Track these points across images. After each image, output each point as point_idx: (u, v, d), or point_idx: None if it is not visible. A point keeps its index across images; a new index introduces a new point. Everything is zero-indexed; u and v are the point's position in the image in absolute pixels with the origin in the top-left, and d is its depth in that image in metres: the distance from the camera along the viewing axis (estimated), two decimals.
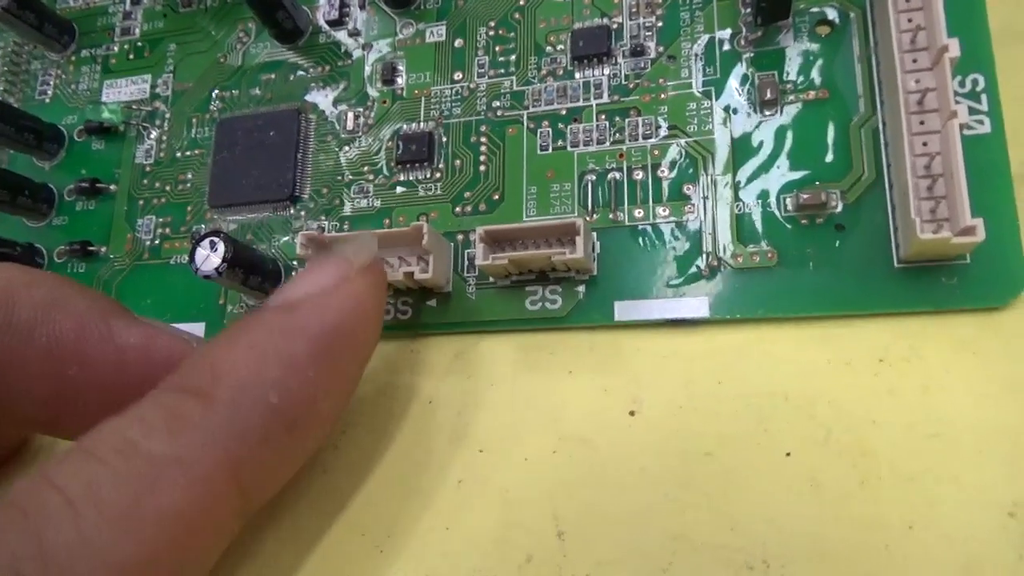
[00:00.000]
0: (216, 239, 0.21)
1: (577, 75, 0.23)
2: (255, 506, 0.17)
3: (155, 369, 0.19)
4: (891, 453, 0.17)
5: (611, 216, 0.21)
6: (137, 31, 0.28)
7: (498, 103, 0.23)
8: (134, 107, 0.27)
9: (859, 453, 0.17)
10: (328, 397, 0.17)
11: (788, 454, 0.17)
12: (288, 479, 0.18)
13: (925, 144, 0.18)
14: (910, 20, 0.19)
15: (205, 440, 0.15)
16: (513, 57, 0.23)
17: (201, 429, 0.15)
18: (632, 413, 0.19)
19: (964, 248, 0.17)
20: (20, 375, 0.18)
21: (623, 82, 0.22)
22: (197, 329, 0.24)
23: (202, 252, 0.21)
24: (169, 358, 0.19)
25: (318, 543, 0.20)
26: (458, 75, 0.24)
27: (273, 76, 0.26)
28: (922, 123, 0.18)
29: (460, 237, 0.22)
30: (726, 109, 0.21)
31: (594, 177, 0.22)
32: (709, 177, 0.21)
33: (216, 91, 0.26)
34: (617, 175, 0.21)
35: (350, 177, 0.24)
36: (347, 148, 0.24)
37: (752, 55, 0.21)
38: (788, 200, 0.20)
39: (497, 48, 0.24)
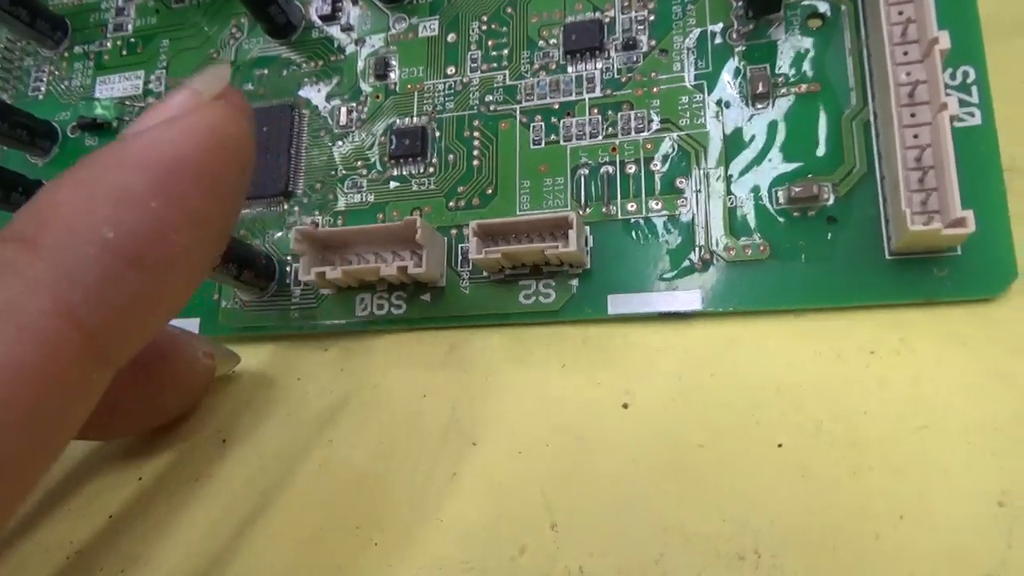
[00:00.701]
0: None
1: (569, 69, 0.23)
2: (114, 352, 0.15)
3: (145, 363, 0.19)
4: (881, 444, 0.17)
5: (604, 210, 0.21)
6: (130, 27, 0.28)
7: (491, 97, 0.23)
8: (127, 103, 0.27)
9: (849, 444, 0.17)
10: (180, 231, 0.15)
11: (779, 445, 0.17)
12: (152, 322, 0.16)
13: (916, 136, 0.18)
14: (900, 13, 0.19)
15: (28, 286, 0.14)
16: (506, 51, 0.23)
17: (23, 276, 0.14)
18: (625, 406, 0.19)
19: (955, 240, 0.18)
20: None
21: (615, 76, 0.22)
22: (192, 325, 0.24)
23: None
24: (160, 351, 0.19)
25: (311, 537, 0.20)
26: (451, 70, 0.24)
27: (266, 71, 0.26)
28: (913, 115, 0.18)
29: (454, 232, 0.22)
30: (718, 103, 0.21)
31: (587, 171, 0.22)
32: (701, 171, 0.21)
33: None
34: (610, 169, 0.21)
35: (343, 172, 0.24)
36: (340, 143, 0.24)
37: (744, 49, 0.21)
38: (780, 193, 0.20)
39: (490, 42, 0.24)
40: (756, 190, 0.20)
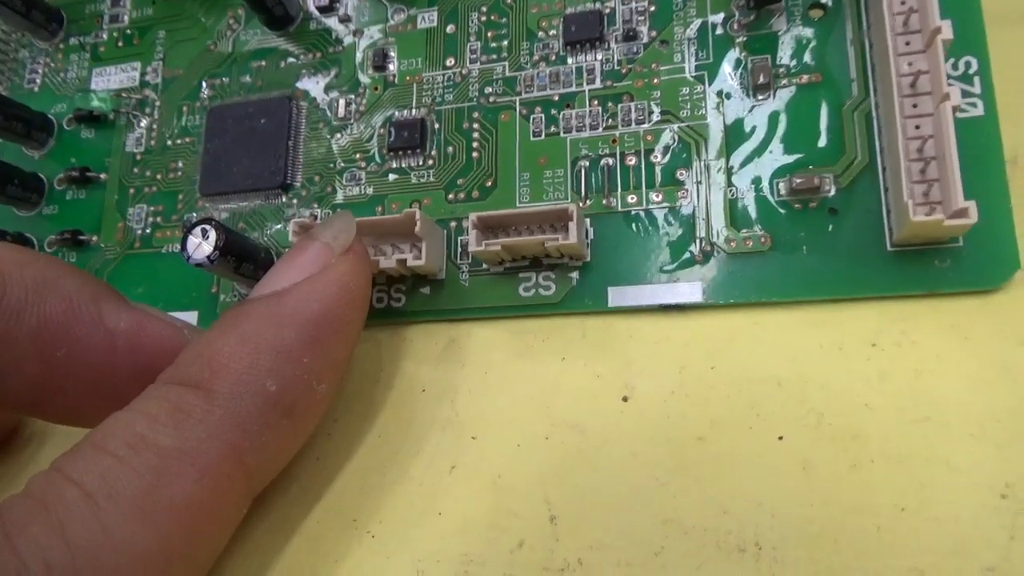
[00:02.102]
0: (208, 227, 0.21)
1: (569, 60, 0.22)
2: (260, 487, 0.18)
3: (144, 354, 0.19)
4: (883, 436, 0.17)
5: (604, 202, 0.21)
6: (126, 18, 0.28)
7: (490, 89, 0.23)
8: (124, 95, 0.27)
9: (851, 437, 0.17)
10: (322, 380, 0.18)
11: (780, 438, 0.17)
12: (289, 460, 0.18)
13: (918, 127, 0.18)
14: (903, 2, 0.18)
15: (209, 432, 0.16)
16: (505, 43, 0.23)
17: (204, 422, 0.16)
18: (625, 399, 0.19)
19: (957, 231, 0.17)
20: (8, 356, 0.18)
21: (616, 67, 0.22)
22: (190, 318, 0.24)
23: (194, 240, 0.21)
24: (159, 343, 0.19)
25: (310, 530, 0.20)
26: (450, 61, 0.24)
27: (264, 63, 0.26)
28: (915, 106, 0.18)
29: (453, 224, 0.22)
30: (719, 94, 0.21)
31: (587, 163, 0.22)
32: (702, 162, 0.21)
33: (206, 79, 0.26)
34: (610, 161, 0.21)
35: (342, 164, 0.24)
36: (339, 135, 0.24)
37: (745, 39, 0.21)
38: (781, 184, 0.20)
39: (489, 34, 0.23)
40: (757, 181, 0.20)
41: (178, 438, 0.16)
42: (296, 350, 0.17)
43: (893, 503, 0.16)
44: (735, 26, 0.21)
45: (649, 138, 0.21)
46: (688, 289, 0.20)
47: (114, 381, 0.19)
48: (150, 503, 0.15)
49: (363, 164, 0.24)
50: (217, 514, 0.16)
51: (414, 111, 0.24)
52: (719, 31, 0.21)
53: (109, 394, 0.19)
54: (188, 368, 0.17)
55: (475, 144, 0.23)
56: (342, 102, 0.24)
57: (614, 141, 0.21)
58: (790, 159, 0.20)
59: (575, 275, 0.21)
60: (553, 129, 0.22)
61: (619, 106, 0.22)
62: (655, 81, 0.22)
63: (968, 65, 0.19)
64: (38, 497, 0.15)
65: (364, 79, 0.24)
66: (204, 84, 0.26)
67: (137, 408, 0.16)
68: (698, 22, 0.22)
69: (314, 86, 0.25)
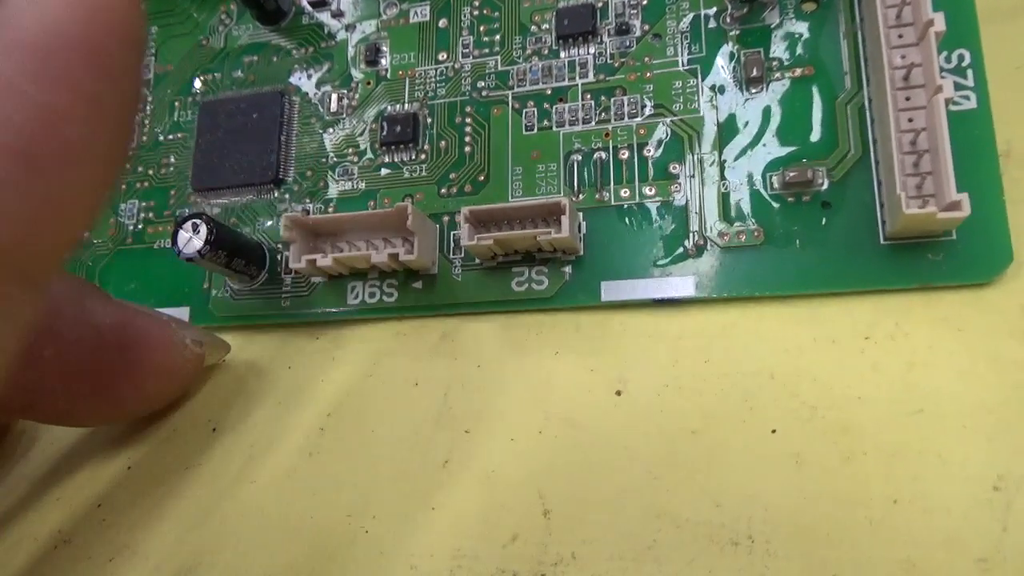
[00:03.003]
0: (199, 221, 0.21)
1: (562, 54, 0.22)
2: (35, 266, 0.14)
3: (133, 349, 0.19)
4: (875, 429, 0.17)
5: (597, 196, 0.21)
6: None
7: (483, 83, 0.23)
8: None
9: (843, 430, 0.17)
10: (72, 120, 0.13)
11: (773, 431, 0.17)
12: (66, 228, 0.14)
13: (911, 120, 0.18)
14: None
15: None
16: (498, 37, 0.23)
17: None
18: (618, 393, 0.19)
19: (950, 224, 0.17)
20: None
21: (608, 61, 0.22)
22: (182, 313, 0.23)
23: (184, 234, 0.21)
24: (147, 338, 0.19)
25: (302, 526, 0.19)
26: (442, 55, 0.24)
27: (256, 58, 0.25)
28: (908, 99, 0.18)
29: (446, 219, 0.22)
30: (712, 87, 0.21)
31: (580, 157, 0.21)
32: (695, 156, 0.20)
33: (199, 74, 0.26)
34: (603, 155, 0.21)
35: (334, 159, 0.24)
36: (331, 130, 0.24)
37: (738, 32, 0.21)
38: (774, 178, 0.20)
39: (481, 28, 0.23)
40: (750, 175, 0.20)
41: None
42: (16, 80, 0.13)
43: (886, 495, 0.16)
44: (728, 19, 0.21)
45: (642, 132, 0.21)
46: (681, 283, 0.20)
47: (103, 379, 0.19)
48: None
49: (355, 159, 0.24)
50: None
51: (406, 105, 0.24)
52: (712, 24, 0.21)
53: (100, 392, 0.19)
54: None
55: (467, 138, 0.23)
56: (334, 97, 0.24)
57: (607, 135, 0.21)
58: (783, 152, 0.20)
59: (568, 269, 0.21)
60: (546, 123, 0.22)
61: (612, 100, 0.22)
62: (648, 75, 0.21)
63: (961, 58, 0.19)
64: None
65: (356, 74, 0.24)
66: (196, 79, 0.26)
67: None
68: (691, 15, 0.21)
69: (306, 81, 0.25)
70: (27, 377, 0.18)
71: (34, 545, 0.21)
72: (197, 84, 0.26)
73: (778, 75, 0.20)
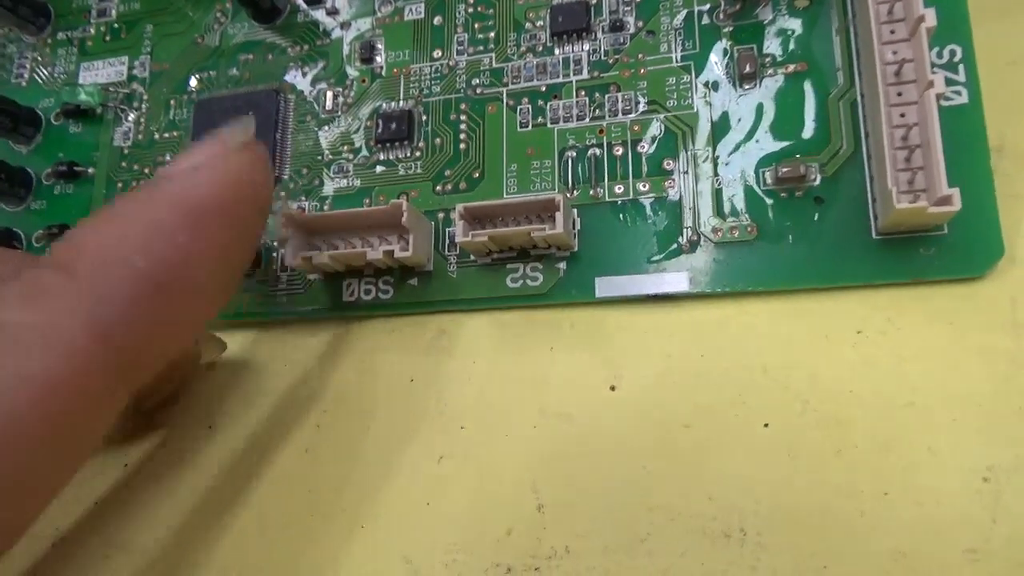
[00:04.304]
0: None
1: (556, 51, 0.22)
2: (135, 373, 0.16)
3: None
4: (867, 422, 0.17)
5: (592, 192, 0.21)
6: (113, 12, 0.28)
7: (477, 80, 0.23)
8: (111, 89, 0.27)
9: (835, 423, 0.17)
10: (203, 265, 0.17)
11: (766, 425, 0.17)
12: (172, 344, 0.17)
13: (903, 115, 0.18)
14: None
15: (66, 306, 0.15)
16: (492, 34, 0.23)
17: (62, 297, 0.15)
18: (613, 388, 0.19)
19: (941, 218, 0.17)
20: None
21: (602, 58, 0.22)
22: None
23: None
24: None
25: (298, 522, 0.20)
26: (437, 53, 0.24)
27: (251, 56, 0.26)
28: (899, 94, 0.18)
29: (441, 215, 0.22)
30: (705, 83, 0.21)
31: (574, 153, 0.22)
32: (689, 152, 0.21)
33: (194, 72, 0.26)
34: (597, 151, 0.21)
35: (330, 157, 0.24)
36: (326, 128, 0.24)
37: (731, 29, 0.21)
38: (767, 174, 0.20)
39: (476, 25, 0.23)
40: (743, 171, 0.20)
41: (30, 313, 0.14)
42: (170, 229, 0.16)
43: (877, 488, 0.16)
44: (721, 16, 0.21)
45: (636, 128, 0.21)
46: (675, 279, 0.20)
47: None
48: None
49: (351, 156, 0.24)
50: (79, 395, 0.15)
51: (401, 103, 0.24)
52: (705, 20, 0.21)
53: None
54: (52, 252, 0.16)
55: (462, 135, 0.23)
56: (329, 95, 0.24)
57: (601, 131, 0.21)
58: (776, 148, 0.20)
59: (562, 265, 0.21)
60: (540, 120, 0.22)
61: (606, 96, 0.22)
62: (642, 71, 0.22)
63: (953, 53, 0.19)
64: None
65: (351, 71, 0.24)
66: (192, 78, 0.26)
67: None
68: (684, 12, 0.22)
69: (301, 79, 0.25)
70: None
71: (28, 542, 0.21)
72: (192, 83, 0.26)
73: (771, 71, 0.20)
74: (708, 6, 0.21)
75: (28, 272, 0.15)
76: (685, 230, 0.20)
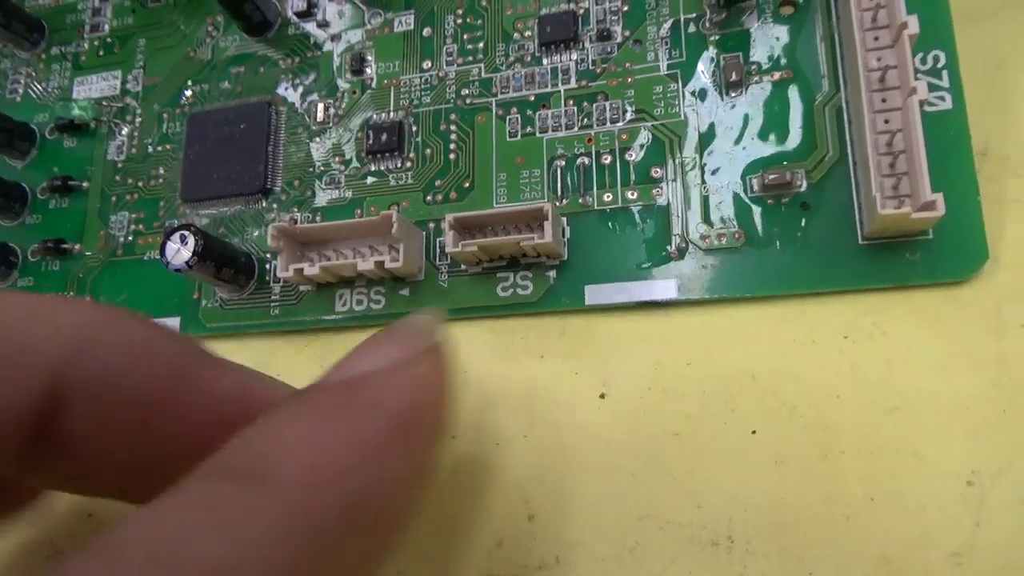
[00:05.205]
0: (186, 233, 0.21)
1: (545, 61, 0.23)
2: None
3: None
4: (853, 428, 0.17)
5: (580, 201, 0.21)
6: (106, 27, 0.28)
7: (467, 91, 0.23)
8: (105, 103, 0.27)
9: (822, 429, 0.17)
10: (408, 486, 0.14)
11: (754, 432, 0.17)
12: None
13: (887, 121, 0.18)
14: None
15: (266, 539, 0.12)
16: (481, 45, 0.23)
17: (258, 527, 0.12)
18: (602, 396, 0.19)
19: (925, 223, 0.18)
20: (101, 431, 0.15)
21: (590, 67, 0.22)
22: (173, 323, 0.24)
23: (172, 246, 0.21)
24: (264, 408, 0.16)
25: None
26: (427, 64, 0.24)
27: (242, 69, 0.26)
28: (884, 101, 0.18)
29: (432, 225, 0.22)
30: (692, 92, 0.21)
31: (563, 163, 0.22)
32: (676, 160, 0.21)
33: (189, 85, 0.26)
34: (586, 160, 0.21)
35: (321, 168, 0.24)
36: (318, 139, 0.24)
37: (717, 37, 0.21)
38: (754, 180, 0.20)
39: (465, 36, 0.24)
40: (730, 178, 0.20)
41: (222, 545, 0.11)
42: (379, 447, 0.13)
43: (863, 493, 0.16)
44: (707, 24, 0.21)
45: (624, 137, 0.21)
46: (664, 286, 0.20)
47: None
48: None
49: (342, 168, 0.24)
50: None
51: (392, 114, 0.24)
52: (691, 29, 0.21)
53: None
54: (237, 457, 0.13)
55: (452, 146, 0.23)
56: (320, 106, 0.24)
57: (589, 140, 0.22)
58: (763, 155, 0.20)
59: (552, 274, 0.21)
60: (529, 129, 0.22)
61: (594, 105, 0.22)
62: (629, 80, 0.22)
63: (936, 59, 0.19)
64: None
65: (342, 83, 0.25)
66: (184, 91, 0.26)
67: (166, 505, 0.12)
68: (671, 21, 0.22)
69: (293, 91, 0.25)
70: (135, 455, 0.15)
71: (25, 558, 0.21)
72: (187, 92, 0.26)
73: (757, 79, 0.21)
74: (694, 15, 0.21)
75: (213, 484, 0.12)
76: (673, 237, 0.20)
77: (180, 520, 0.12)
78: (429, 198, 0.23)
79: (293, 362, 0.23)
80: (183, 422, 0.15)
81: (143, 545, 0.11)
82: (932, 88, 0.19)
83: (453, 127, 0.23)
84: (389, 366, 0.14)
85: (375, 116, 0.24)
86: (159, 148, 0.26)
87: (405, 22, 0.24)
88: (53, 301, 0.16)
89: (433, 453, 0.15)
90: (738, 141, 0.20)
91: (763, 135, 0.20)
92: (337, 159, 0.24)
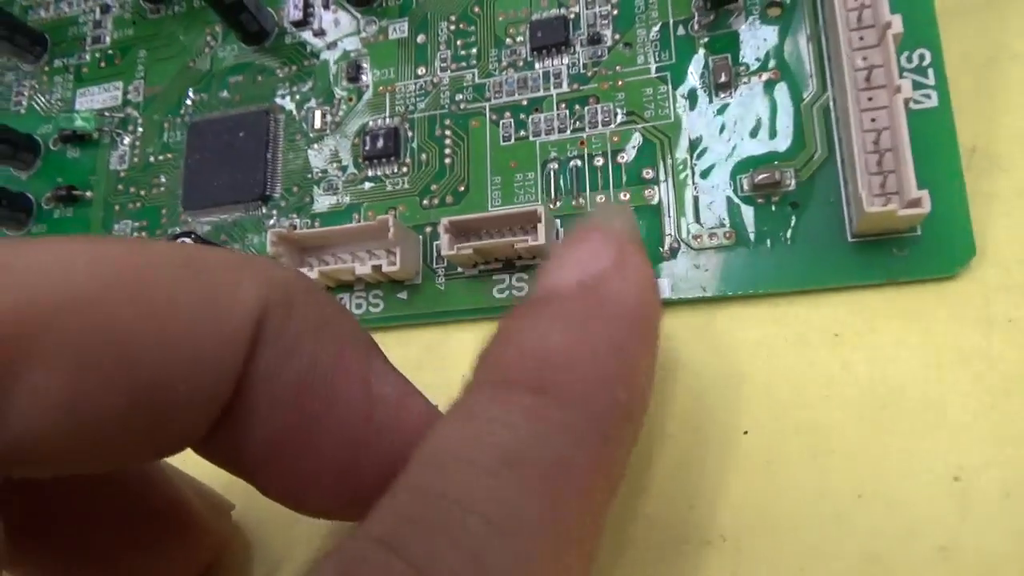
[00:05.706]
0: (187, 240, 0.22)
1: (537, 66, 0.23)
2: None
3: (401, 433, 0.15)
4: (843, 425, 0.17)
5: (574, 203, 0.21)
6: (107, 39, 0.28)
7: (461, 96, 0.23)
8: (107, 114, 0.27)
9: (812, 428, 0.17)
10: (650, 385, 0.15)
11: (745, 432, 0.18)
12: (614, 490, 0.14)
13: (873, 120, 0.18)
14: None
15: (577, 444, 0.12)
16: (474, 50, 0.24)
17: (569, 432, 0.12)
18: None
19: (912, 220, 0.18)
20: (264, 397, 0.14)
21: (582, 71, 0.22)
22: None
23: None
24: (417, 427, 0.15)
25: (287, 536, 0.20)
26: (421, 70, 0.24)
27: (241, 78, 0.26)
28: (870, 99, 0.18)
29: (428, 229, 0.23)
30: (682, 93, 0.21)
31: (556, 165, 0.22)
32: (667, 161, 0.21)
33: (188, 94, 0.27)
34: (578, 163, 0.22)
35: (319, 175, 0.24)
36: (315, 146, 0.25)
37: (706, 39, 0.21)
38: (744, 180, 0.20)
39: (458, 42, 0.24)
40: (720, 178, 0.20)
41: (550, 451, 0.12)
42: (630, 350, 0.14)
43: (851, 490, 0.16)
44: (696, 26, 0.22)
45: (616, 139, 0.22)
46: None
47: (354, 459, 0.15)
48: (552, 533, 0.12)
49: (339, 174, 0.24)
50: (588, 547, 0.13)
51: (388, 120, 0.24)
52: (680, 31, 0.22)
53: (343, 474, 0.15)
54: (516, 369, 0.13)
55: (447, 150, 0.23)
56: (318, 113, 0.25)
57: (582, 143, 0.22)
58: (752, 155, 0.20)
59: None
60: (522, 133, 0.22)
61: (586, 109, 0.22)
62: (620, 83, 0.22)
63: (922, 58, 0.19)
64: (427, 523, 0.11)
65: (339, 91, 0.25)
66: (185, 101, 0.27)
67: (482, 415, 0.13)
68: (660, 23, 0.22)
69: (290, 99, 0.25)
70: (285, 428, 0.14)
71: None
72: (189, 100, 0.26)
73: (746, 79, 0.21)
74: (683, 17, 0.22)
75: (514, 394, 0.13)
76: (666, 238, 0.20)
77: (509, 428, 0.12)
78: (425, 202, 0.23)
79: None
80: (338, 409, 0.14)
81: (490, 453, 0.12)
82: (917, 86, 0.19)
83: (448, 132, 0.23)
84: (612, 266, 0.15)
85: (371, 122, 0.24)
86: (160, 157, 0.26)
87: (399, 29, 0.25)
88: (259, 256, 0.15)
89: (656, 351, 0.15)
90: (728, 141, 0.20)
91: (752, 135, 0.20)
92: (334, 165, 0.24)
